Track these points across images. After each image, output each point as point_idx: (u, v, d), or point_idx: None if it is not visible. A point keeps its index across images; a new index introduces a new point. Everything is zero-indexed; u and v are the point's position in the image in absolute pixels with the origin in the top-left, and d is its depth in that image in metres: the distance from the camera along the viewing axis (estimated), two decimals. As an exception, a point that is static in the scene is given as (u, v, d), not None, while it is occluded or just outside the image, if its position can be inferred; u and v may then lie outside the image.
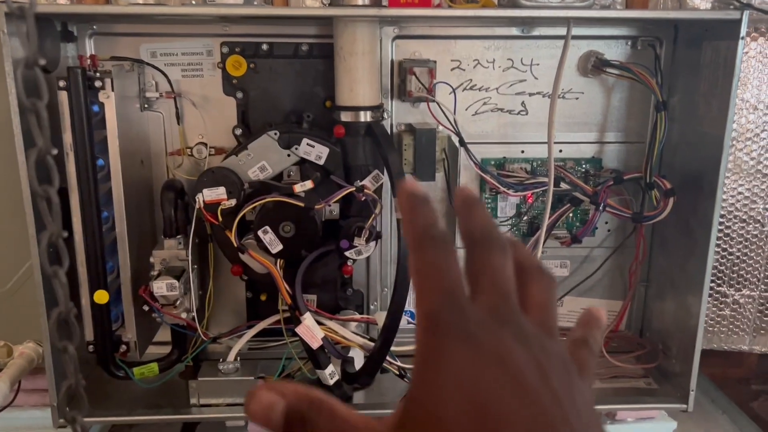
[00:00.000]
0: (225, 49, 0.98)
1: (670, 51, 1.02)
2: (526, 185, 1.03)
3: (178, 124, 1.00)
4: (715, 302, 1.08)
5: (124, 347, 0.95)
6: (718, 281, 1.07)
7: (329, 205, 0.91)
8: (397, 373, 0.99)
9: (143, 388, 0.97)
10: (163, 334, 1.04)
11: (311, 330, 0.90)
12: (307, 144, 0.93)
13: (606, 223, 1.10)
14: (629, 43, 1.02)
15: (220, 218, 0.89)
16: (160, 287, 0.89)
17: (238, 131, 0.99)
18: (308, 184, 0.89)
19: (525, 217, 1.08)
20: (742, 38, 0.85)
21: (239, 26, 0.98)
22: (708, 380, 1.38)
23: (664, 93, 0.99)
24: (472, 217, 0.27)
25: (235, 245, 0.89)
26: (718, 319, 1.10)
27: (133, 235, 0.94)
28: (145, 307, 0.91)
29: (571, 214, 1.08)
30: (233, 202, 0.89)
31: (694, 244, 0.95)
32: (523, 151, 1.06)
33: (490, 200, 1.07)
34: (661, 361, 1.06)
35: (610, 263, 1.11)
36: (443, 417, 0.22)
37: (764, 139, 1.01)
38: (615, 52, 1.02)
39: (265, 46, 0.98)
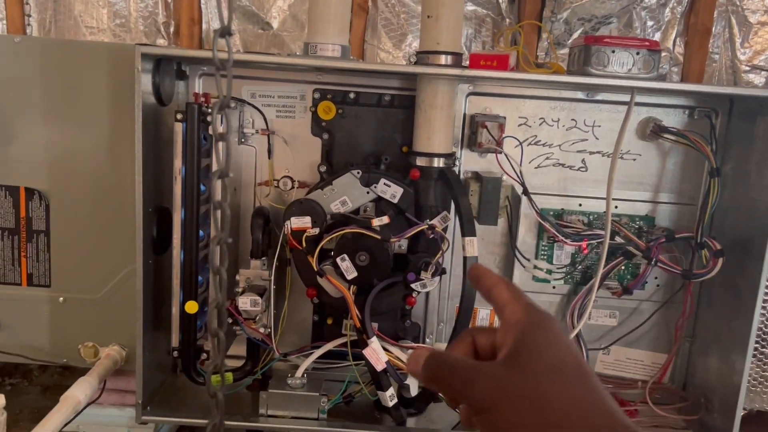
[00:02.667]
0: (317, 95, 1.10)
1: (725, 122, 1.10)
2: (582, 236, 1.11)
3: (269, 158, 1.11)
4: (759, 362, 1.13)
5: (204, 356, 1.04)
6: (763, 342, 1.12)
7: (400, 240, 1.00)
8: (449, 403, 1.06)
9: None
10: (235, 349, 1.13)
11: (377, 353, 0.98)
12: (384, 184, 1.02)
13: (656, 278, 1.16)
14: (686, 112, 1.10)
15: (304, 244, 0.99)
16: (245, 302, 0.99)
17: (323, 168, 1.10)
18: (385, 219, 0.98)
19: (579, 267, 1.15)
20: (794, 115, 0.92)
21: (331, 76, 1.10)
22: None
23: (718, 160, 1.07)
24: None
25: (315, 269, 0.98)
26: (761, 379, 1.13)
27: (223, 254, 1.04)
28: (230, 320, 1.01)
29: (623, 267, 1.14)
30: (317, 230, 0.99)
31: (740, 303, 1.01)
32: (580, 204, 1.14)
33: (547, 248, 1.15)
34: (703, 415, 1.11)
35: (657, 317, 1.17)
36: (552, 354, 0.38)
37: (813, 209, 1.06)
38: (673, 119, 1.11)
39: (352, 95, 1.10)
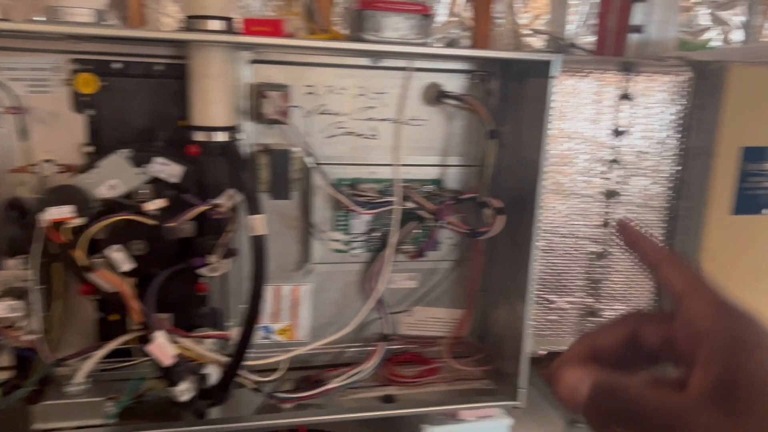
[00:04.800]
0: (74, 66, 0.97)
1: (501, 85, 1.15)
2: (375, 204, 1.11)
3: (23, 140, 0.97)
4: (543, 308, 1.22)
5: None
6: (545, 289, 1.21)
7: (180, 224, 0.93)
8: (253, 387, 1.02)
9: (-20, 416, 0.92)
10: (5, 360, 0.99)
11: (162, 348, 0.91)
12: (160, 163, 0.94)
13: (450, 238, 1.20)
14: (466, 76, 1.13)
15: (67, 237, 0.88)
16: (2, 309, 0.86)
17: (88, 149, 0.98)
18: (160, 202, 0.90)
19: (376, 234, 1.15)
20: (553, 77, 0.98)
21: (90, 44, 0.97)
22: (544, 382, 1.53)
23: (495, 122, 1.11)
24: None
25: (84, 264, 0.88)
26: (546, 323, 1.23)
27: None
28: (-17, 330, 0.88)
29: (419, 231, 1.17)
30: (82, 220, 0.88)
31: (520, 255, 1.07)
32: (374, 173, 1.14)
33: (343, 218, 1.14)
34: (498, 364, 1.18)
35: (453, 275, 1.22)
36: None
37: (578, 164, 1.16)
38: (455, 84, 1.13)
39: (117, 65, 0.98)
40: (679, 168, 1.20)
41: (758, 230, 1.19)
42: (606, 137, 1.14)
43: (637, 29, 0.71)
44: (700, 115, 1.16)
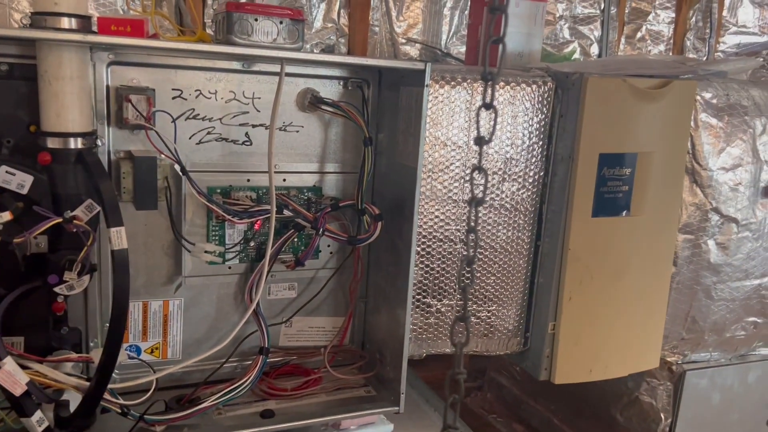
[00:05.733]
0: None
1: (377, 92, 1.15)
2: (251, 213, 1.07)
3: None
4: (422, 312, 1.24)
5: None
6: (423, 293, 1.23)
7: (32, 239, 0.85)
8: (119, 411, 0.95)
9: None
10: None
11: (12, 375, 0.82)
12: (7, 172, 0.85)
13: (328, 246, 1.19)
14: (341, 83, 1.13)
15: None
16: None
17: None
18: (6, 216, 0.82)
19: (252, 243, 1.12)
20: (427, 85, 1.00)
21: None
22: (424, 383, 1.55)
23: (372, 130, 1.12)
24: None
25: None
26: (425, 326, 1.25)
27: None
28: None
29: (296, 239, 1.14)
30: None
31: (399, 261, 1.08)
32: (249, 180, 1.10)
33: (218, 228, 1.09)
34: (379, 370, 1.18)
35: (333, 283, 1.20)
36: None
37: (453, 171, 1.19)
38: (330, 90, 1.12)
39: (-46, 64, 0.88)
40: (543, 174, 1.26)
41: (618, 232, 1.28)
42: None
43: (499, 41, 0.73)
44: (562, 123, 1.23)
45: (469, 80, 1.16)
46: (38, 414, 0.86)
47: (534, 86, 1.21)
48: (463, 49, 1.76)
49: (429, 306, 1.24)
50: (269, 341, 1.09)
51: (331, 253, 1.20)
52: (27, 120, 0.93)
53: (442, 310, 1.26)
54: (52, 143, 0.88)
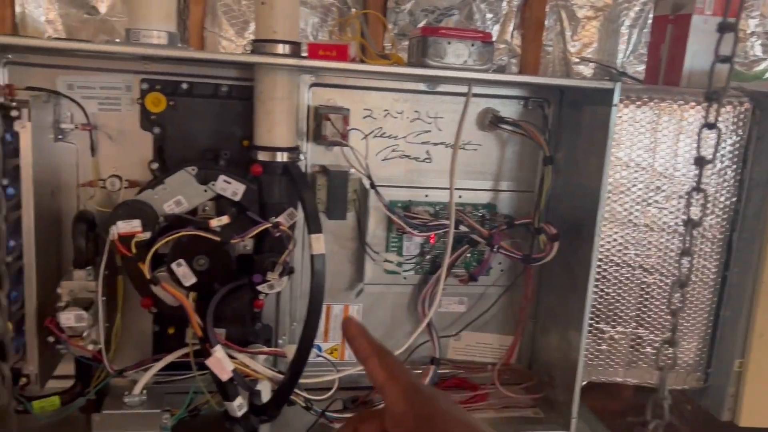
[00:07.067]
0: (144, 86, 1.01)
1: (557, 111, 1.15)
2: (429, 226, 1.11)
3: (93, 155, 1.01)
4: (594, 338, 1.20)
5: (24, 380, 0.92)
6: (597, 318, 1.19)
7: (244, 241, 0.94)
8: (304, 405, 1.03)
9: (42, 423, 0.94)
10: (64, 368, 1.02)
11: (221, 362, 0.92)
12: (224, 181, 0.96)
13: (500, 263, 1.20)
14: (521, 102, 1.14)
15: (134, 250, 0.90)
16: (68, 318, 0.89)
17: (154, 166, 1.01)
18: (224, 219, 0.92)
19: (428, 257, 1.16)
20: (615, 105, 0.98)
21: (160, 65, 1.01)
22: (590, 412, 1.50)
23: (551, 149, 1.12)
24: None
25: (148, 277, 0.90)
26: (596, 353, 1.21)
27: (41, 266, 0.93)
28: (51, 339, 0.90)
29: (468, 255, 1.17)
30: (148, 234, 0.91)
31: (575, 283, 1.07)
32: (427, 195, 1.15)
33: (396, 240, 1.15)
34: (547, 392, 1.16)
35: (503, 301, 1.21)
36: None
37: (635, 192, 1.15)
38: (510, 110, 1.14)
39: (185, 85, 1.02)
40: (735, 199, 1.18)
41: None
42: (667, 167, 1.13)
43: (728, 60, 0.71)
44: (760, 146, 1.14)
45: (655, 100, 1.12)
46: (239, 399, 0.95)
47: (729, 107, 1.14)
48: (640, 68, 1.70)
49: (602, 332, 1.21)
50: (441, 352, 1.12)
51: (501, 270, 1.21)
52: (240, 135, 1.04)
53: (615, 337, 1.22)
54: (262, 156, 0.98)
